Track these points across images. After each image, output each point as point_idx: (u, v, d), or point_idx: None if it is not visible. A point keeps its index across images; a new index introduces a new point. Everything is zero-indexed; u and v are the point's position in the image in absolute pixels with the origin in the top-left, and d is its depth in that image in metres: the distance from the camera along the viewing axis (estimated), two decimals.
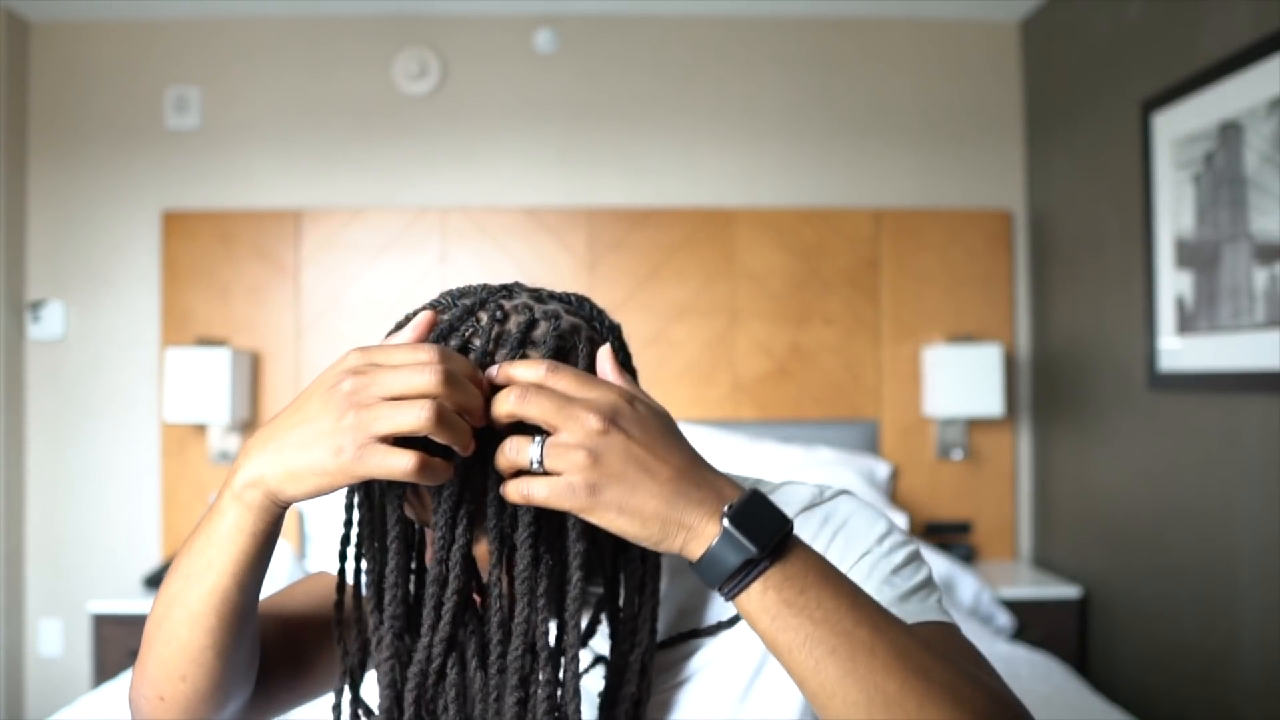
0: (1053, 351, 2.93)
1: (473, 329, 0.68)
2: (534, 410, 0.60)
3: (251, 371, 2.92)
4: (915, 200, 3.08)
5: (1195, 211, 2.22)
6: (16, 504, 2.92)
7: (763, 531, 0.60)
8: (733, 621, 0.76)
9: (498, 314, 0.68)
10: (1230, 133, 2.10)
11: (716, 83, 3.08)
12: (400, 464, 0.58)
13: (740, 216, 3.01)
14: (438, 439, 0.59)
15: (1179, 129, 2.27)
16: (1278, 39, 1.93)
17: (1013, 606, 2.57)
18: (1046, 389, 2.97)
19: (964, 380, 2.84)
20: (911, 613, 0.72)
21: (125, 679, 1.93)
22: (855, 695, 0.58)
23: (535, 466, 0.60)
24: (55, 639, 2.94)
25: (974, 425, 3.01)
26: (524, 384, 0.61)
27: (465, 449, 0.61)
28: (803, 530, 0.76)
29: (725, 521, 0.60)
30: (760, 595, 0.60)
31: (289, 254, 2.95)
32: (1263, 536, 2.00)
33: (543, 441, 0.60)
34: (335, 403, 0.60)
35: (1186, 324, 2.25)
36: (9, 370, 2.89)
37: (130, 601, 2.59)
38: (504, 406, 0.61)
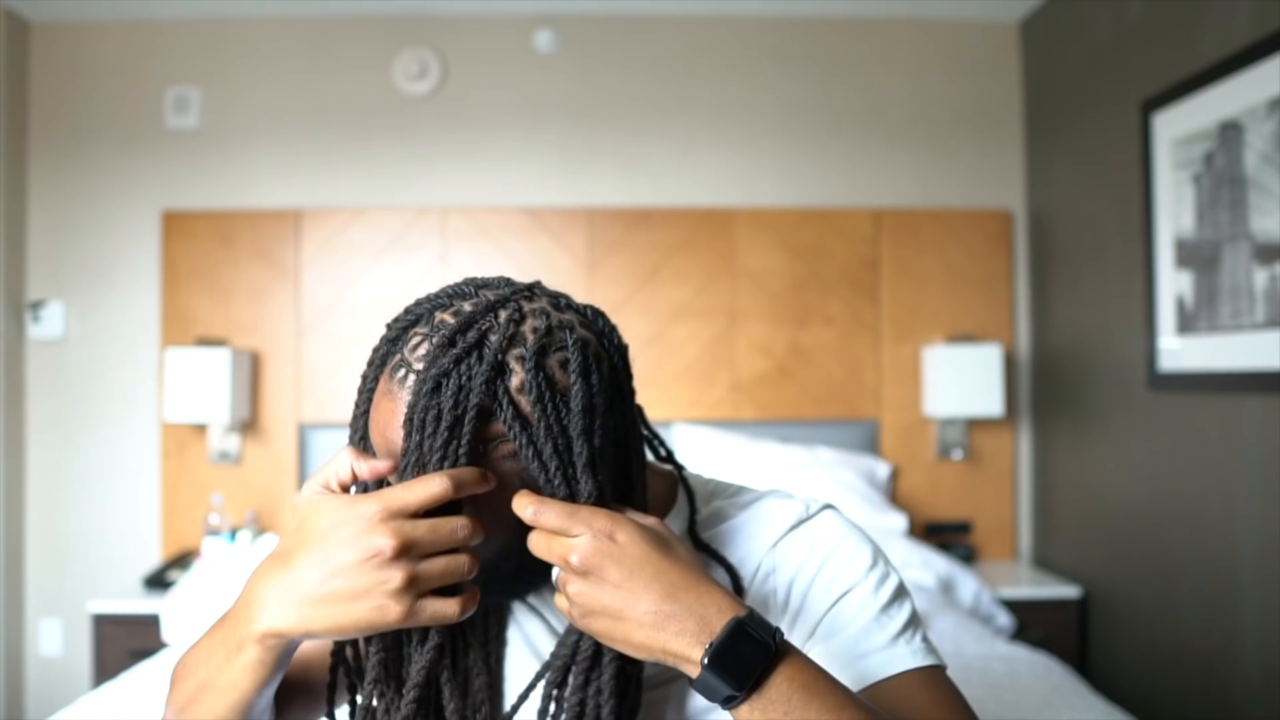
0: (1053, 351, 2.93)
1: (490, 325, 0.69)
2: (538, 550, 0.67)
3: (251, 372, 2.92)
4: (915, 200, 3.08)
5: (1195, 211, 2.22)
6: (16, 504, 2.92)
7: (744, 669, 0.62)
8: None
9: (515, 315, 0.70)
10: (1230, 133, 2.10)
11: (716, 83, 3.08)
12: (452, 611, 0.65)
13: (740, 217, 3.01)
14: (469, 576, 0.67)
15: (1179, 129, 2.27)
16: (1278, 39, 1.93)
17: (1013, 606, 2.57)
18: (1046, 389, 2.97)
19: (964, 380, 2.84)
20: (900, 658, 0.74)
21: (125, 679, 1.93)
22: None
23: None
24: (55, 639, 2.94)
25: (974, 425, 3.01)
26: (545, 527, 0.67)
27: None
28: (789, 555, 0.78)
29: (704, 662, 0.63)
30: (748, 716, 0.64)
31: (289, 254, 2.95)
32: (1263, 536, 2.00)
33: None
34: (374, 566, 0.63)
35: (1186, 324, 2.25)
36: (9, 370, 2.89)
37: (130, 601, 2.59)
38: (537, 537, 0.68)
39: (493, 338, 0.68)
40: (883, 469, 2.90)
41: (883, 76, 3.09)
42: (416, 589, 0.63)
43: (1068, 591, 2.67)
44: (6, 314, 2.88)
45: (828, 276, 3.01)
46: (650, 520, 0.69)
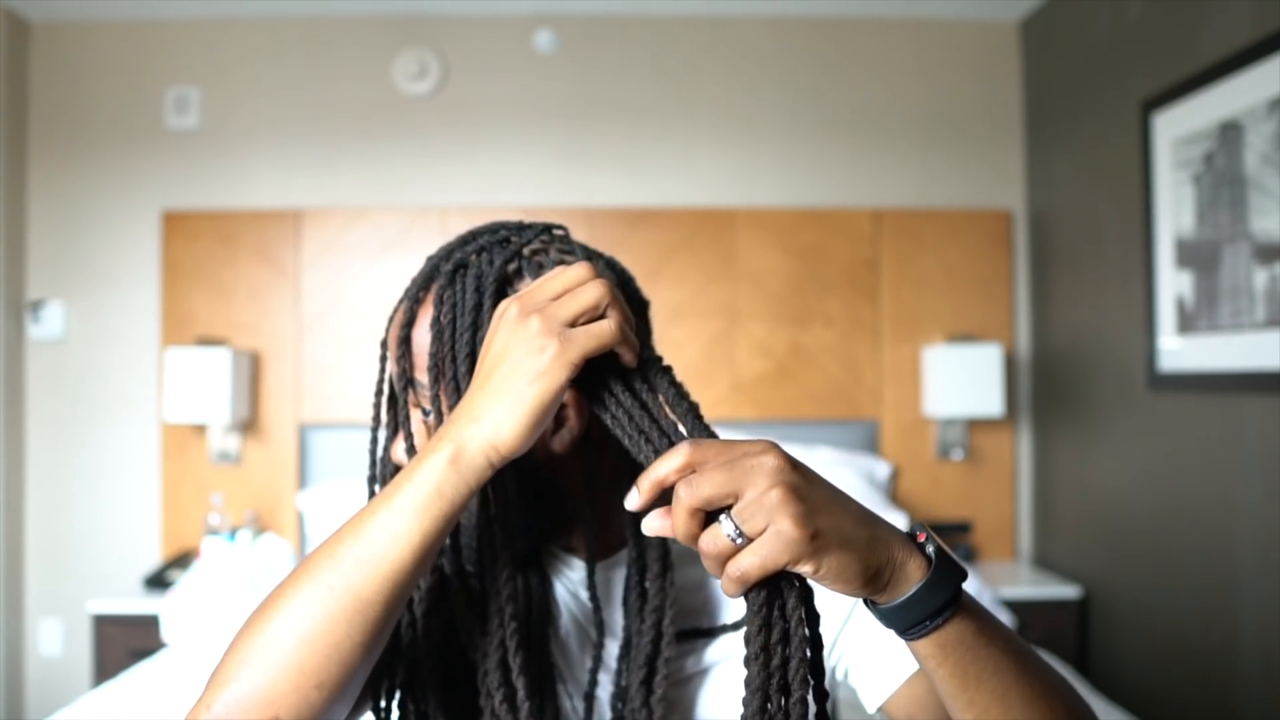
0: (1053, 352, 2.93)
1: (514, 232, 0.75)
2: (708, 489, 0.54)
3: (251, 372, 2.92)
4: (915, 200, 3.08)
5: (1195, 211, 2.22)
6: (16, 504, 2.92)
7: (956, 562, 0.58)
8: (737, 626, 0.76)
9: (544, 234, 0.75)
10: (1230, 133, 2.10)
11: (716, 83, 3.08)
12: (607, 328, 0.61)
13: (740, 217, 3.01)
14: (622, 350, 0.64)
15: (1179, 129, 2.27)
16: (1278, 39, 1.93)
17: (1013, 606, 2.57)
18: (1046, 389, 2.97)
19: (964, 380, 2.84)
20: (910, 665, 0.76)
21: (125, 679, 1.92)
22: (1034, 717, 0.60)
23: (737, 540, 0.54)
24: (55, 639, 2.94)
25: (974, 425, 3.01)
26: (674, 475, 0.56)
27: (634, 360, 0.65)
28: None
29: (930, 548, 0.58)
30: (959, 625, 0.58)
31: (289, 254, 2.95)
32: (1263, 536, 2.00)
33: (729, 516, 0.54)
34: (531, 333, 0.60)
35: (1186, 324, 2.25)
36: (9, 370, 2.89)
37: (130, 601, 2.59)
38: (673, 521, 0.56)
39: (514, 239, 0.73)
40: (883, 469, 2.91)
41: (883, 76, 3.09)
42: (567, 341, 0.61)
43: (1068, 591, 2.67)
44: (6, 314, 2.88)
45: (827, 277, 3.01)
46: None
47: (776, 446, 0.56)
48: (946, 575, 0.57)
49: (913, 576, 0.57)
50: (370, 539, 0.60)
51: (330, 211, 2.97)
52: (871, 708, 0.79)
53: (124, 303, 2.98)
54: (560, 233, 0.76)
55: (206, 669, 1.94)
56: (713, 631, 0.78)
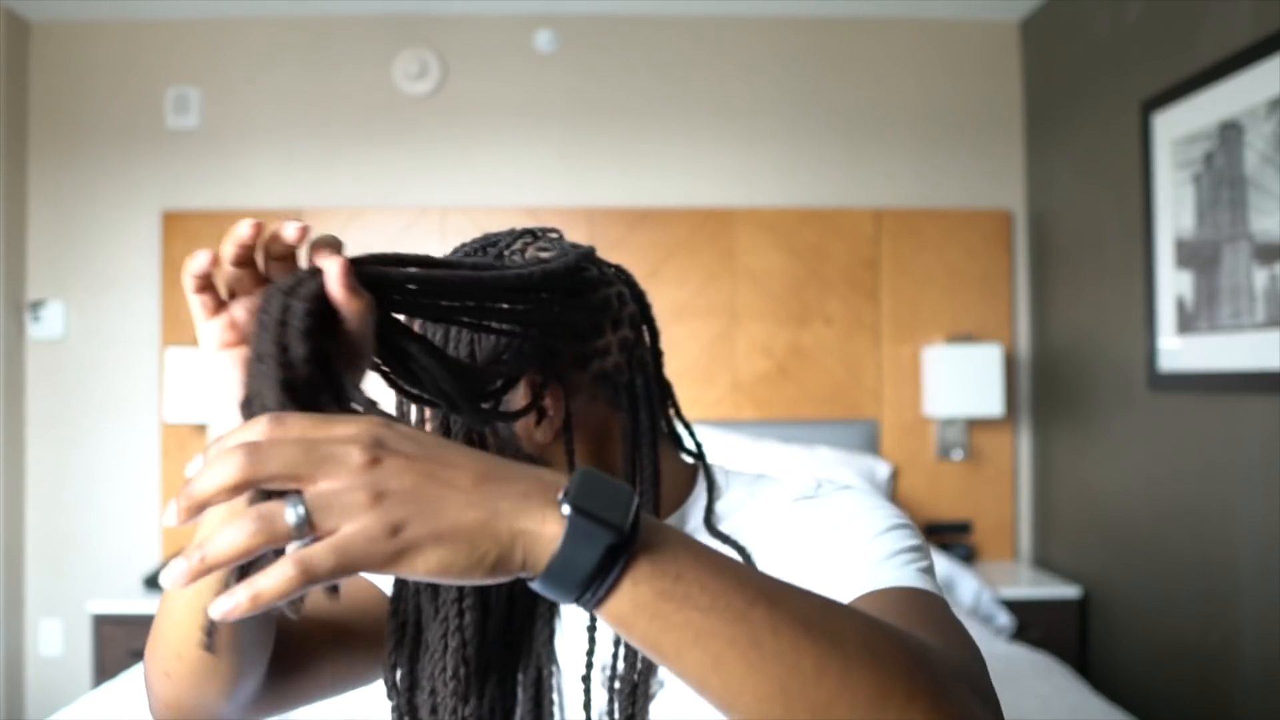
0: (1053, 351, 2.93)
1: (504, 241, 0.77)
2: (274, 465, 0.45)
3: None
4: (915, 200, 3.08)
5: (1195, 211, 2.22)
6: (16, 504, 2.92)
7: (615, 508, 0.47)
8: None
9: (527, 236, 0.77)
10: (1230, 133, 2.10)
11: (716, 82, 3.08)
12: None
13: (740, 216, 3.01)
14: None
15: (1179, 129, 2.27)
16: (1278, 39, 1.93)
17: (1013, 606, 2.57)
18: (1046, 389, 2.97)
19: (964, 380, 2.84)
20: (884, 575, 0.66)
21: (125, 679, 1.92)
22: (766, 688, 0.47)
23: (300, 534, 0.44)
24: (55, 639, 2.94)
25: (974, 425, 3.01)
26: (245, 444, 0.45)
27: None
28: (792, 522, 0.75)
29: (565, 508, 0.47)
30: (632, 592, 0.47)
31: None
32: (1263, 537, 2.00)
33: (299, 499, 0.45)
34: None
35: (1186, 324, 2.25)
36: (9, 370, 2.89)
37: (130, 601, 2.59)
38: (217, 478, 0.45)
39: (499, 244, 0.76)
40: (883, 469, 2.90)
41: (883, 76, 3.09)
42: None
43: (1068, 591, 2.67)
44: (6, 314, 2.88)
45: (828, 276, 3.01)
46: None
47: (381, 425, 0.47)
48: (587, 537, 0.46)
49: (548, 547, 0.47)
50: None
51: (330, 211, 2.97)
52: None
53: (124, 303, 2.98)
54: (554, 235, 0.78)
55: None
56: None
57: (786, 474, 0.83)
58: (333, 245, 0.56)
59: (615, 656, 0.74)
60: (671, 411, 0.82)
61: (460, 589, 0.71)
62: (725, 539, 0.77)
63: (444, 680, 0.71)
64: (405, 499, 0.45)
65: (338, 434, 0.46)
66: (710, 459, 0.84)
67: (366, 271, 0.56)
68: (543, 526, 0.47)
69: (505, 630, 0.77)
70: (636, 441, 0.75)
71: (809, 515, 0.75)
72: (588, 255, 0.73)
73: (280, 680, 0.74)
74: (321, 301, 0.53)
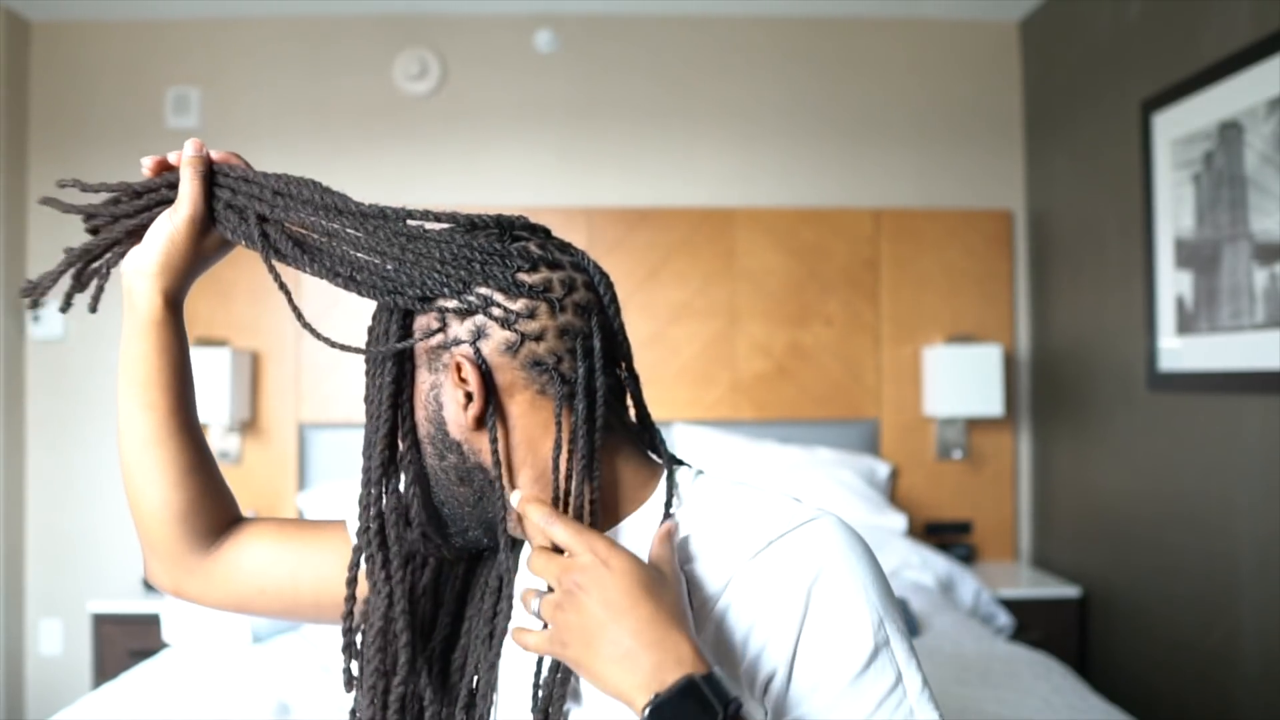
0: (1053, 352, 2.93)
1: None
2: (541, 569, 0.68)
3: (251, 371, 2.93)
4: (915, 200, 3.08)
5: (1195, 211, 2.22)
6: (16, 504, 2.92)
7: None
8: None
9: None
10: (1230, 133, 2.10)
11: (716, 83, 3.08)
12: None
13: (739, 216, 3.01)
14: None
15: (1179, 129, 2.27)
16: (1278, 39, 1.93)
17: (1012, 606, 2.57)
18: (1046, 389, 2.97)
19: (964, 380, 2.84)
20: None
21: (125, 679, 1.93)
22: None
23: (536, 614, 0.68)
24: (55, 639, 2.94)
25: (974, 425, 3.01)
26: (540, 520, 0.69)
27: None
28: (767, 568, 0.69)
29: (645, 713, 0.61)
30: None
31: None
32: (1263, 536, 2.00)
33: (541, 596, 0.68)
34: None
35: (1186, 324, 2.25)
36: (9, 370, 2.89)
37: (130, 601, 2.59)
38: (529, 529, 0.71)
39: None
40: (883, 469, 2.91)
41: (883, 76, 3.09)
42: None
43: (1067, 591, 2.67)
44: (6, 314, 2.88)
45: (827, 276, 3.01)
46: (653, 555, 0.69)
47: (600, 559, 0.65)
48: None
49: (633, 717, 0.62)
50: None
51: None
52: None
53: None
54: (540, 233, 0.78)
55: (206, 669, 1.94)
56: None
57: (760, 496, 0.74)
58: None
59: (540, 663, 0.72)
60: (633, 406, 0.78)
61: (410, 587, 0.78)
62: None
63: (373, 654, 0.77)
64: (573, 644, 0.65)
65: (575, 549, 0.66)
66: (688, 461, 0.80)
67: (218, 169, 0.88)
68: (632, 705, 0.62)
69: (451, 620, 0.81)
70: (573, 435, 0.70)
71: (770, 575, 0.69)
72: (525, 225, 0.77)
73: (218, 568, 0.87)
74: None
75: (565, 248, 0.76)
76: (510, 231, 0.76)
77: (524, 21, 3.03)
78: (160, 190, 0.85)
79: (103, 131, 2.98)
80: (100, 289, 0.84)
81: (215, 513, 0.87)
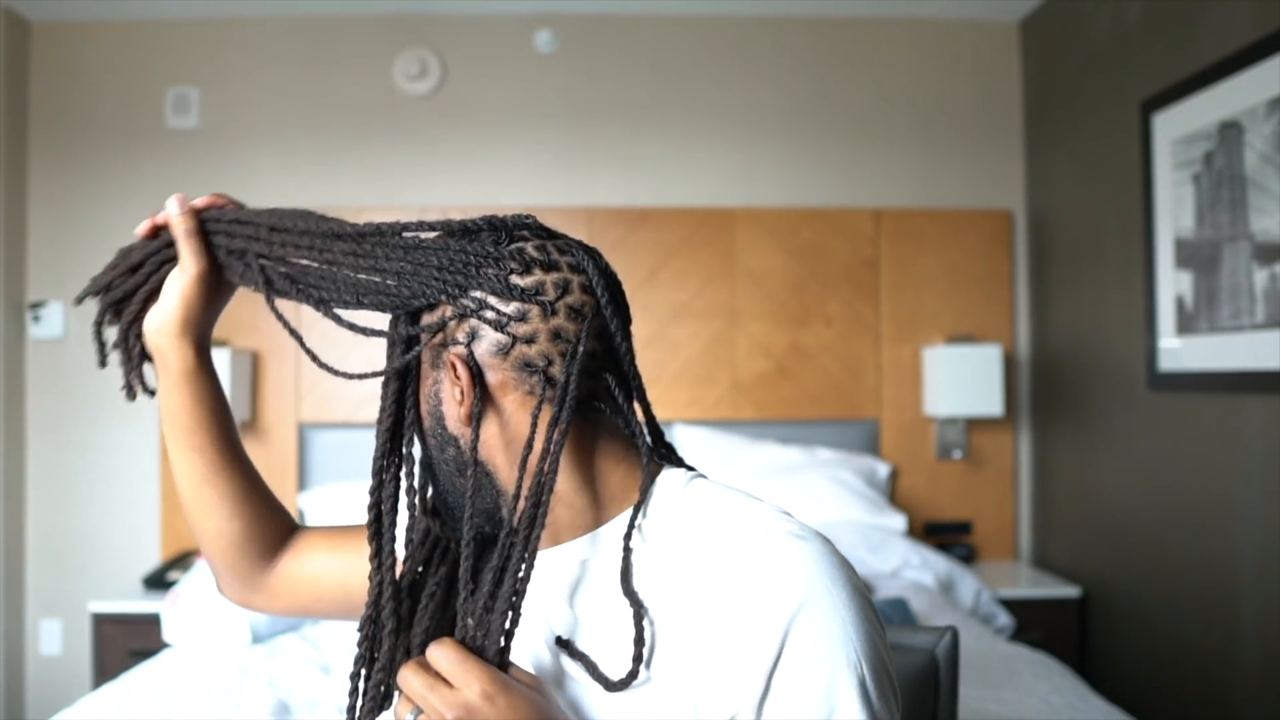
0: (1053, 352, 2.93)
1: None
2: (409, 688, 0.65)
3: (251, 371, 2.92)
4: (915, 200, 3.08)
5: (1195, 211, 2.22)
6: (16, 504, 2.92)
7: None
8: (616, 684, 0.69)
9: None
10: (1230, 133, 2.10)
11: (716, 82, 3.08)
12: None
13: (739, 216, 3.01)
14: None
15: (1179, 129, 2.27)
16: (1278, 39, 1.93)
17: (1012, 606, 2.57)
18: (1046, 389, 2.97)
19: (964, 380, 2.84)
20: None
21: (125, 679, 1.93)
22: None
23: None
24: (55, 639, 2.94)
25: (974, 425, 3.01)
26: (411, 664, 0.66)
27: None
28: (745, 584, 0.65)
29: None
30: None
31: None
32: (1263, 536, 2.00)
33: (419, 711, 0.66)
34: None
35: (1186, 324, 2.25)
36: (9, 370, 2.89)
37: (130, 601, 2.59)
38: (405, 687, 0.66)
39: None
40: (882, 469, 2.91)
41: (883, 76, 3.09)
42: None
43: (1067, 591, 2.67)
44: (6, 314, 2.88)
45: (827, 276, 3.01)
46: (535, 685, 0.67)
47: (485, 698, 0.63)
48: None
49: None
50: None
51: (330, 211, 2.96)
52: None
53: None
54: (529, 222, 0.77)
55: (206, 669, 1.94)
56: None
57: (748, 505, 0.72)
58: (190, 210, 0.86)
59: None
60: (626, 410, 0.75)
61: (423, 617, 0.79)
62: (631, 595, 0.69)
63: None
64: None
65: (458, 682, 0.64)
66: (686, 465, 0.78)
67: (209, 216, 0.86)
68: None
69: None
70: (548, 435, 0.69)
71: (748, 595, 0.65)
72: (525, 225, 0.75)
73: (273, 577, 0.93)
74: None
75: (566, 249, 0.73)
76: (509, 233, 0.75)
77: (524, 21, 3.03)
78: (161, 251, 0.89)
79: (103, 131, 2.99)
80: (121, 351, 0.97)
81: (271, 533, 0.93)
